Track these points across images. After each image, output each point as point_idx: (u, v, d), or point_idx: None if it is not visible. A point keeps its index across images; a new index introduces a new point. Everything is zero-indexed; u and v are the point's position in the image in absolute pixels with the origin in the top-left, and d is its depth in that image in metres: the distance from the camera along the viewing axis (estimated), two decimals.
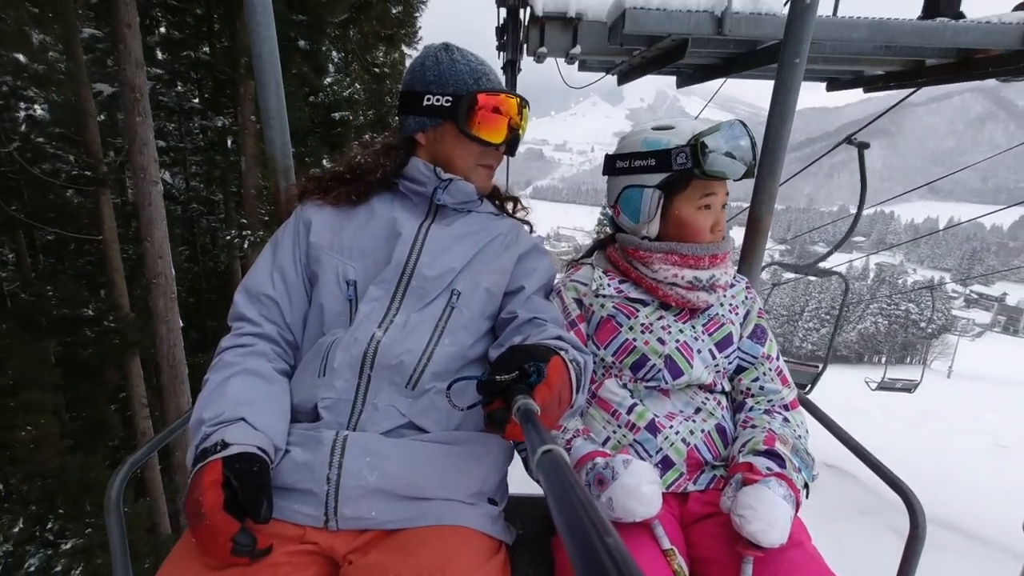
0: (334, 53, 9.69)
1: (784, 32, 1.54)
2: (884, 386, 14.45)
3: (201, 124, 9.76)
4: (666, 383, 1.30)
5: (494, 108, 1.25)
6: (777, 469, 1.14)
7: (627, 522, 1.08)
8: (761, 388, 1.36)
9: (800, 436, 1.28)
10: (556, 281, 1.45)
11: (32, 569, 6.49)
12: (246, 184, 8.49)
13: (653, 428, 1.26)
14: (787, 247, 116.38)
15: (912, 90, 4.19)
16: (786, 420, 1.29)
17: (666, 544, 1.08)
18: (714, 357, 1.33)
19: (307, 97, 9.38)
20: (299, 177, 1.53)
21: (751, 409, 1.34)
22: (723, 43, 3.35)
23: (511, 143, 1.32)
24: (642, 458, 1.24)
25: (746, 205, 1.84)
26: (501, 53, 4.47)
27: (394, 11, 9.87)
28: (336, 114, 9.57)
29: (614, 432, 1.29)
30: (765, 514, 1.03)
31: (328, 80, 9.88)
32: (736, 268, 1.64)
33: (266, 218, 8.25)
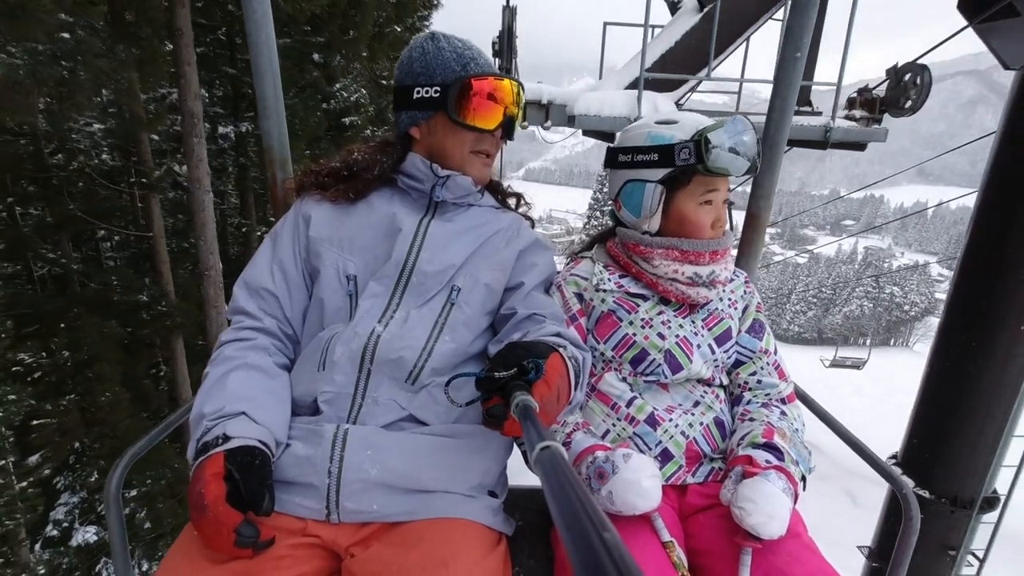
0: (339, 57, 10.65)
1: (785, 27, 1.56)
2: (836, 363, 16.09)
3: (226, 130, 10.85)
4: (665, 377, 1.31)
5: (484, 93, 1.22)
6: (776, 462, 1.15)
7: (627, 515, 1.09)
8: (759, 382, 1.37)
9: (797, 429, 1.28)
10: (556, 275, 1.44)
11: (103, 512, 7.80)
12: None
13: (652, 421, 1.27)
14: (777, 230, 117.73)
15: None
16: (784, 413, 1.30)
17: (665, 536, 1.08)
18: (713, 352, 1.34)
19: (320, 104, 10.44)
20: (296, 172, 1.52)
21: (749, 402, 1.35)
22: None
23: (506, 127, 1.28)
24: (641, 451, 1.25)
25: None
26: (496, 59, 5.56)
27: (406, 37, 10.87)
28: (347, 119, 10.66)
29: (614, 425, 1.30)
30: (765, 507, 1.04)
31: (337, 86, 10.91)
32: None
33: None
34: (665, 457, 1.26)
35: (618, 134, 1.46)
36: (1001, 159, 4.85)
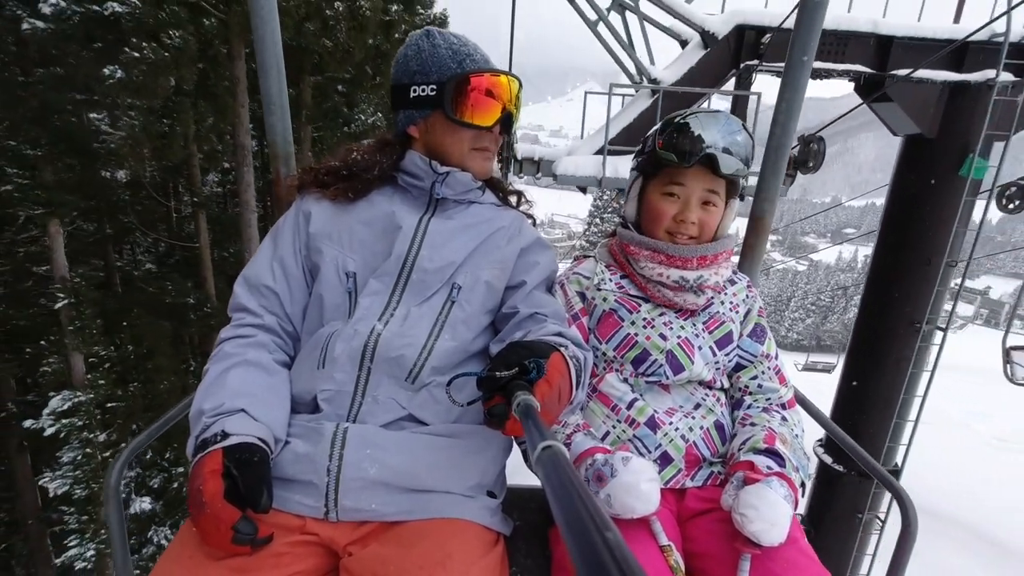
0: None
1: (793, 29, 1.56)
2: (808, 367, 17.56)
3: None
4: (667, 378, 1.30)
5: (481, 89, 1.21)
6: (777, 468, 1.14)
7: (625, 518, 1.09)
8: (760, 386, 1.36)
9: (797, 435, 1.28)
10: (559, 274, 1.44)
11: (155, 486, 9.11)
12: None
13: (653, 424, 1.26)
14: (778, 237, 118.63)
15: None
16: (784, 419, 1.30)
17: (663, 540, 1.08)
18: (714, 354, 1.33)
19: (342, 127, 11.74)
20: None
21: (749, 407, 1.34)
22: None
23: (504, 123, 1.27)
24: (641, 454, 1.24)
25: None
26: None
27: None
28: (365, 142, 12.05)
29: (614, 427, 1.29)
30: (767, 514, 1.03)
31: (357, 111, 12.20)
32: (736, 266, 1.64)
33: None
34: (664, 460, 1.25)
35: None
36: (890, 208, 6.49)
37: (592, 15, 6.70)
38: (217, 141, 9.46)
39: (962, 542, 15.28)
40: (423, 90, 1.21)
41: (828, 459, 7.22)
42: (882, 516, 6.98)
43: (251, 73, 9.36)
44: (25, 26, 5.97)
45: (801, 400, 1.48)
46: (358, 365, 1.11)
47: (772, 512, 1.03)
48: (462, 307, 1.21)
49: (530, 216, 1.45)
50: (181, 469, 9.48)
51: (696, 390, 1.33)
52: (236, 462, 0.92)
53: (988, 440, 24.38)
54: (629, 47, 6.83)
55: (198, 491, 0.89)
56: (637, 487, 1.06)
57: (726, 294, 1.41)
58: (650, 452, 1.25)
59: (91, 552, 7.78)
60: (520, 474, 1.18)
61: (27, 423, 7.54)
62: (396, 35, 9.23)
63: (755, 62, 6.27)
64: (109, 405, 7.96)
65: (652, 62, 6.98)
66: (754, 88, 6.30)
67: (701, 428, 1.27)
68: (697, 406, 1.31)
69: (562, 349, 0.97)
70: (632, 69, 7.01)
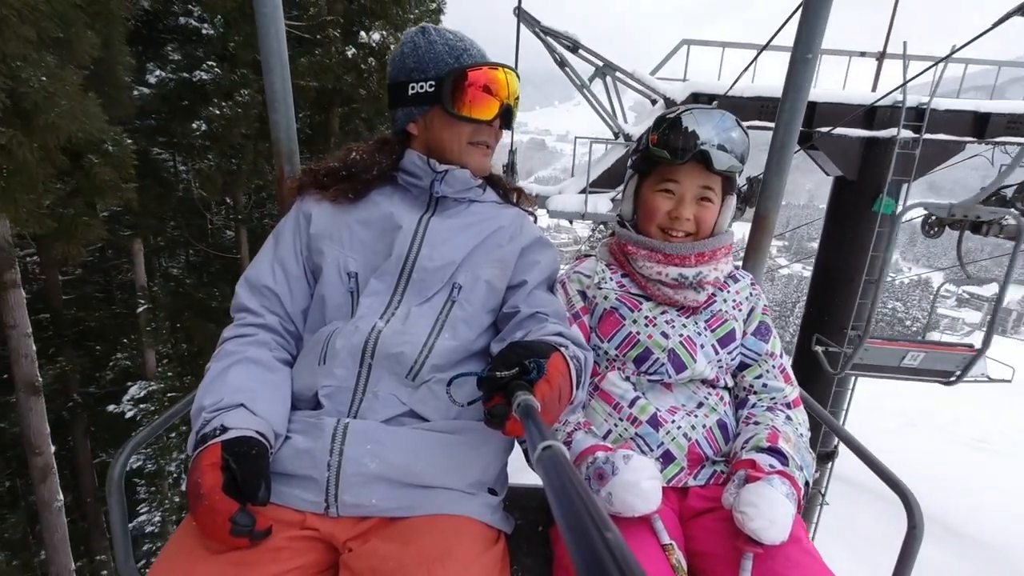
0: None
1: (797, 27, 1.56)
2: None
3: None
4: (669, 377, 1.30)
5: (479, 83, 1.21)
6: (780, 467, 1.14)
7: (626, 517, 1.08)
8: (764, 385, 1.35)
9: (802, 435, 1.27)
10: (561, 273, 1.44)
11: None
12: None
13: (655, 422, 1.26)
14: (784, 243, 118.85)
15: None
16: (788, 418, 1.29)
17: (665, 538, 1.08)
18: (717, 352, 1.33)
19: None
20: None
21: (753, 406, 1.34)
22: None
23: (504, 116, 1.27)
24: (643, 452, 1.24)
25: None
26: None
27: None
28: (364, 142, 13.48)
29: (616, 425, 1.29)
30: (768, 512, 1.03)
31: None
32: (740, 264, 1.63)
33: None
34: (667, 459, 1.25)
35: None
36: (824, 235, 8.04)
37: (578, 82, 8.42)
38: (269, 172, 10.93)
39: (941, 539, 16.21)
40: (421, 87, 1.22)
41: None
42: (823, 489, 8.45)
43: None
44: (135, 92, 7.63)
45: (806, 400, 1.46)
46: (359, 361, 1.12)
47: (772, 510, 1.03)
48: (462, 307, 1.22)
49: (531, 214, 1.45)
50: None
51: (699, 388, 1.33)
52: (234, 455, 0.93)
53: (967, 441, 25.24)
54: (612, 115, 8.56)
55: (197, 484, 0.90)
56: (638, 485, 1.06)
57: (728, 292, 1.40)
58: (652, 450, 1.25)
59: (157, 517, 9.22)
60: (522, 473, 1.18)
61: (110, 407, 9.04)
62: None
63: None
64: (170, 395, 9.38)
65: (625, 120, 8.80)
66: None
67: (704, 427, 1.27)
68: (700, 404, 1.30)
69: (562, 349, 0.97)
70: (613, 124, 8.85)
